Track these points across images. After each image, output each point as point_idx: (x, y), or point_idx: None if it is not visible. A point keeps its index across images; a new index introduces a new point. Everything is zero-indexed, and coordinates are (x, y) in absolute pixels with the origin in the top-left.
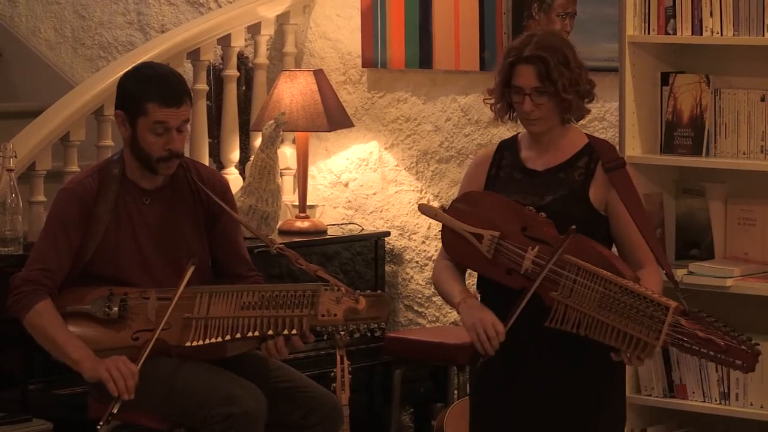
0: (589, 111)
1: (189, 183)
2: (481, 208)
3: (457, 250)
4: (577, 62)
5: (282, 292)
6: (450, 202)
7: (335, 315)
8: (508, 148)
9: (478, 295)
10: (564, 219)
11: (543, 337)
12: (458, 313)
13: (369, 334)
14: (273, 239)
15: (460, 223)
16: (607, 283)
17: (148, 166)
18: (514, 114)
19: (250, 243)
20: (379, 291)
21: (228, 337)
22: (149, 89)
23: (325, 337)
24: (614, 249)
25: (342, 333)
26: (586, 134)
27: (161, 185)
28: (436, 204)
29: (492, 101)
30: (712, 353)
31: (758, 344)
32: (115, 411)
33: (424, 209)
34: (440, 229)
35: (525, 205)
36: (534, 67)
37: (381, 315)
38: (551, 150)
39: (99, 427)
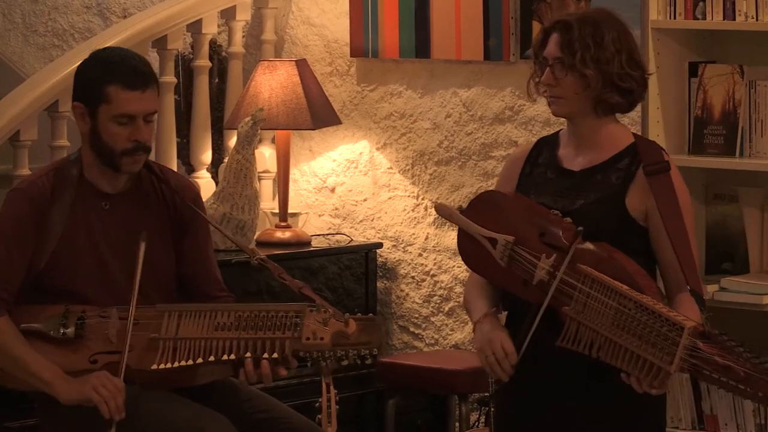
0: (622, 105)
1: (155, 187)
2: (502, 209)
3: (472, 257)
4: (618, 45)
5: (261, 313)
6: (468, 202)
7: (322, 339)
8: (546, 144)
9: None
10: (594, 226)
11: (566, 368)
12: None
13: (359, 362)
14: (255, 249)
15: (475, 226)
16: (621, 297)
17: (110, 162)
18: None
19: (224, 256)
20: (370, 314)
21: (200, 360)
22: (110, 71)
23: (309, 363)
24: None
25: (328, 360)
26: (633, 133)
27: (123, 189)
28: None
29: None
30: (731, 383)
31: None
32: None
33: (440, 209)
34: (438, 240)
35: (551, 209)
36: (558, 35)
37: (372, 340)
38: (590, 148)
39: None
